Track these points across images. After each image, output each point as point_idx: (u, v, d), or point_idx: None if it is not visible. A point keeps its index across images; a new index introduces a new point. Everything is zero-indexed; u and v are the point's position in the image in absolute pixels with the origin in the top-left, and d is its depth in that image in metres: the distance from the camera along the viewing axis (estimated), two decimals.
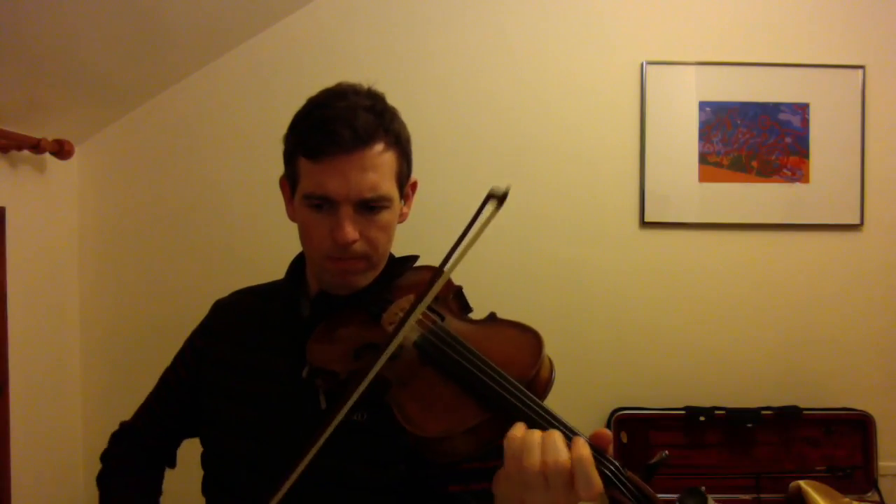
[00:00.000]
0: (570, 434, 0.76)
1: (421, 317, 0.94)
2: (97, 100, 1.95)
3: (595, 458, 0.73)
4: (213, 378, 1.11)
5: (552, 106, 2.15)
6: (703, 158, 2.15)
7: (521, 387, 0.81)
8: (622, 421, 2.06)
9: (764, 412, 2.05)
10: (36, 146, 1.78)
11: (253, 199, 2.10)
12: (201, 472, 1.12)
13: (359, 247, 0.99)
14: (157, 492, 1.21)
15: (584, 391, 2.11)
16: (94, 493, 1.18)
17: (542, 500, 0.73)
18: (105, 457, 1.21)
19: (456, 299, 1.03)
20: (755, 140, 2.15)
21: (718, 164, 2.15)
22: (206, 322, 1.21)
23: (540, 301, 2.14)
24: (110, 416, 1.28)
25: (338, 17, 2.12)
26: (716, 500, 1.92)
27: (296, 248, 1.11)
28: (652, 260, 2.16)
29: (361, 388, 0.84)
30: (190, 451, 1.21)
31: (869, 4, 2.16)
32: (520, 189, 2.14)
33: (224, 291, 1.25)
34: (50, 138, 1.83)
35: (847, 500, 1.95)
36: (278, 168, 1.08)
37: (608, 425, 2.07)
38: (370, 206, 0.98)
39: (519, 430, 0.75)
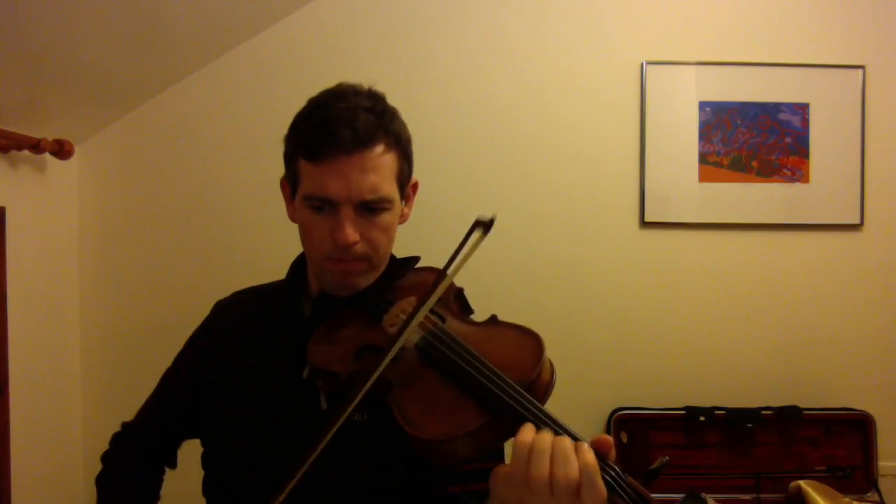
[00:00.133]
0: (573, 440, 0.76)
1: (422, 319, 0.94)
2: (97, 100, 1.95)
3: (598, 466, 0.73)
4: (214, 378, 1.11)
5: (552, 106, 2.15)
6: (703, 158, 2.15)
7: (522, 390, 0.80)
8: (622, 421, 2.06)
9: (764, 412, 2.05)
10: (36, 146, 1.78)
11: (253, 200, 2.10)
12: (201, 472, 1.12)
13: (359, 248, 0.99)
14: (156, 495, 1.20)
15: (584, 391, 2.11)
16: (94, 493, 1.18)
17: (543, 503, 0.73)
18: (105, 457, 1.21)
19: (457, 301, 1.03)
20: (755, 140, 2.15)
21: (718, 164, 2.15)
22: (208, 322, 1.21)
23: (540, 301, 2.14)
24: (110, 416, 1.28)
25: (338, 17, 2.12)
26: (716, 501, 1.92)
27: (296, 248, 1.11)
28: (652, 260, 2.16)
29: (364, 390, 0.84)
30: (190, 451, 1.21)
31: (869, 4, 2.16)
32: (520, 189, 2.14)
33: (224, 292, 1.25)
34: (50, 138, 1.83)
35: (847, 500, 1.95)
36: (278, 168, 1.08)
37: (608, 425, 2.08)
38: (371, 208, 0.98)
39: (528, 433, 0.75)
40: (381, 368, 0.85)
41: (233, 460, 1.05)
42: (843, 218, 2.16)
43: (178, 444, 1.24)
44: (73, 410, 2.08)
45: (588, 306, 2.16)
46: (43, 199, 1.93)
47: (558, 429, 0.77)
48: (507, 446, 0.82)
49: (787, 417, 2.05)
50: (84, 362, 2.11)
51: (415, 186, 1.11)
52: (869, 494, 2.03)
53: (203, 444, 1.14)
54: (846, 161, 2.16)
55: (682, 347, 2.17)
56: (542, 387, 0.84)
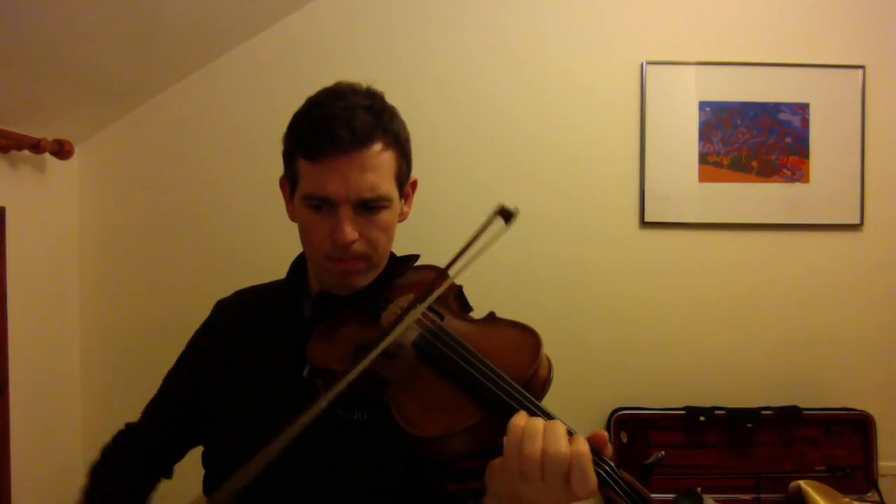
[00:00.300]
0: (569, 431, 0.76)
1: (420, 316, 0.94)
2: (97, 100, 1.95)
3: (592, 458, 0.73)
4: (216, 377, 1.11)
5: (552, 106, 2.15)
6: (703, 158, 2.15)
7: (519, 386, 0.81)
8: (622, 421, 2.06)
9: (764, 412, 2.05)
10: (36, 146, 1.78)
11: (253, 199, 2.10)
12: (202, 472, 1.12)
13: (358, 247, 0.99)
14: (145, 497, 1.18)
15: (584, 391, 2.11)
16: None
17: (536, 493, 0.73)
18: (104, 450, 1.21)
19: (456, 299, 1.03)
20: (755, 140, 2.15)
21: (718, 164, 2.15)
22: (209, 322, 1.21)
23: (540, 301, 2.14)
24: (110, 416, 1.28)
25: (338, 17, 2.12)
26: (716, 501, 1.92)
27: (296, 247, 1.11)
28: (652, 260, 2.16)
29: (349, 378, 0.84)
30: (191, 452, 1.21)
31: (869, 4, 2.16)
32: (520, 189, 2.14)
33: (224, 291, 1.25)
34: (50, 138, 1.83)
35: (847, 500, 1.95)
36: (278, 168, 1.08)
37: (608, 425, 2.07)
38: (369, 207, 0.98)
39: (522, 417, 0.76)
40: (368, 360, 0.84)
41: (233, 459, 1.04)
42: (843, 218, 2.16)
43: (177, 452, 1.23)
44: (73, 410, 2.08)
45: (588, 306, 2.15)
46: (43, 199, 1.93)
47: None
48: None
49: (787, 417, 2.05)
50: (84, 362, 2.11)
51: (414, 185, 1.11)
52: (869, 494, 2.03)
53: (204, 444, 1.14)
54: (846, 161, 2.15)
55: (682, 347, 2.16)
56: (539, 383, 0.85)
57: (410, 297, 0.99)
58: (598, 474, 0.73)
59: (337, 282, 1.03)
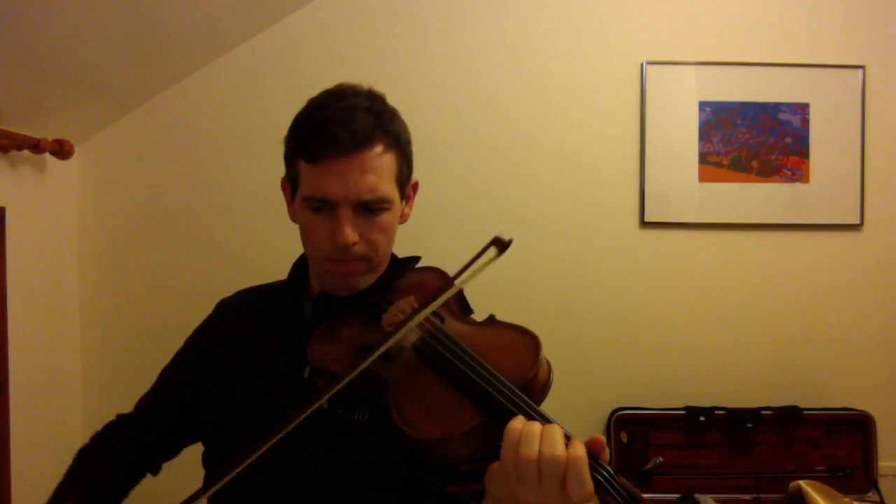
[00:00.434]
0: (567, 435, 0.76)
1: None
2: (97, 100, 1.95)
3: (589, 463, 0.73)
4: (216, 377, 1.11)
5: (552, 106, 2.15)
6: (703, 158, 2.15)
7: (518, 390, 0.81)
8: (622, 421, 2.06)
9: (764, 412, 2.05)
10: (36, 146, 1.78)
11: (253, 199, 2.10)
12: (202, 472, 1.12)
13: (359, 248, 0.99)
14: (125, 485, 1.16)
15: (584, 391, 2.11)
16: None
17: (533, 496, 0.74)
18: (95, 436, 1.20)
19: (457, 301, 1.03)
20: (755, 140, 2.15)
21: (718, 164, 2.15)
22: (210, 321, 1.21)
23: (540, 301, 2.14)
24: (110, 416, 1.28)
25: (338, 17, 2.12)
26: (716, 501, 1.92)
27: (296, 248, 1.11)
28: (652, 260, 2.16)
29: (343, 382, 0.84)
30: (190, 451, 1.21)
31: (869, 4, 2.16)
32: (520, 189, 2.14)
33: (224, 291, 1.25)
34: (50, 138, 1.83)
35: (847, 500, 1.95)
36: (278, 168, 1.08)
37: (608, 425, 2.08)
38: (370, 208, 0.98)
39: (519, 421, 0.76)
40: (368, 361, 0.85)
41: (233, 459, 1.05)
42: (843, 218, 2.16)
43: (169, 448, 1.22)
44: (73, 410, 2.08)
45: (588, 306, 2.16)
46: (43, 199, 1.93)
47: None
48: None
49: (787, 417, 2.05)
50: (84, 362, 2.11)
51: (415, 186, 1.11)
52: (869, 494, 2.04)
53: (204, 444, 1.14)
54: (846, 161, 2.16)
55: (682, 347, 2.17)
56: (538, 386, 0.85)
57: (411, 298, 0.99)
58: (595, 479, 0.74)
59: (337, 283, 1.03)
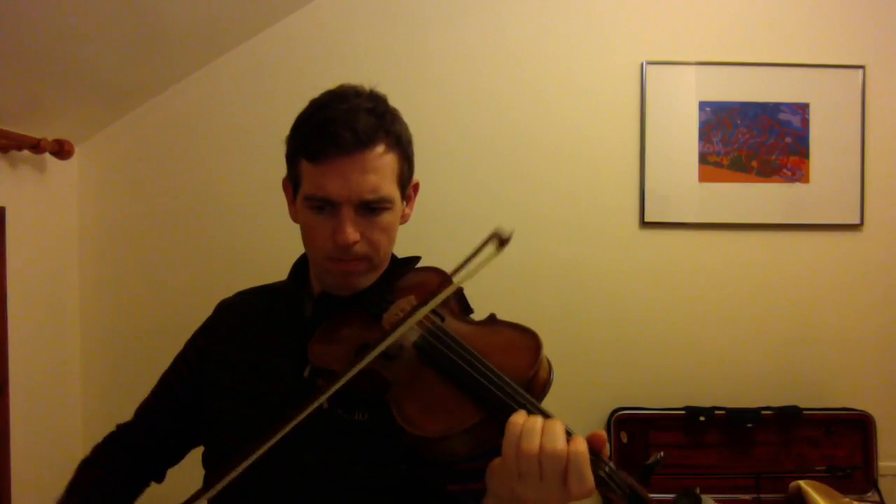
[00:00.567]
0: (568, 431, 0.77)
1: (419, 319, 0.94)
2: (97, 100, 1.95)
3: (590, 458, 0.73)
4: (216, 377, 1.11)
5: (552, 106, 2.15)
6: (703, 158, 2.15)
7: (519, 388, 0.81)
8: (622, 421, 2.06)
9: (764, 412, 2.05)
10: (36, 146, 1.78)
11: (253, 199, 2.10)
12: (201, 472, 1.12)
13: (360, 248, 0.99)
14: (128, 495, 1.17)
15: (584, 391, 2.11)
16: None
17: (533, 491, 0.74)
18: (95, 448, 1.20)
19: (457, 300, 1.04)
20: (755, 140, 2.15)
21: (718, 164, 2.16)
22: (210, 321, 1.21)
23: (540, 301, 2.14)
24: (110, 416, 1.28)
25: (338, 17, 2.12)
26: (716, 501, 1.92)
27: (297, 248, 1.11)
28: (652, 260, 2.16)
29: (344, 379, 0.84)
30: (191, 451, 1.21)
31: (869, 4, 2.16)
32: (520, 189, 2.14)
33: (224, 292, 1.25)
34: (50, 138, 1.83)
35: (847, 500, 1.95)
36: (279, 168, 1.08)
37: (608, 425, 2.08)
38: (371, 208, 0.98)
39: (521, 415, 0.77)
40: (363, 363, 0.85)
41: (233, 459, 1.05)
42: (843, 218, 2.17)
43: (171, 452, 1.22)
44: (73, 410, 2.08)
45: (588, 306, 2.16)
46: (43, 199, 1.93)
47: None
48: None
49: (787, 417, 2.05)
50: (84, 362, 2.11)
51: (416, 187, 1.11)
52: (869, 494, 2.04)
53: (204, 444, 1.14)
54: (846, 161, 2.16)
55: (682, 347, 2.17)
56: (539, 385, 0.85)
57: (412, 298, 0.99)
58: (596, 474, 0.74)
59: (338, 282, 1.03)
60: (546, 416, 0.78)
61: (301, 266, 1.14)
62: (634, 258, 2.16)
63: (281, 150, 1.06)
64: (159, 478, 1.22)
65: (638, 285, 2.16)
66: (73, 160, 1.99)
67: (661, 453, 0.82)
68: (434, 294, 0.88)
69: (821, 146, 2.15)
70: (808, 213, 2.16)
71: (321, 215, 0.99)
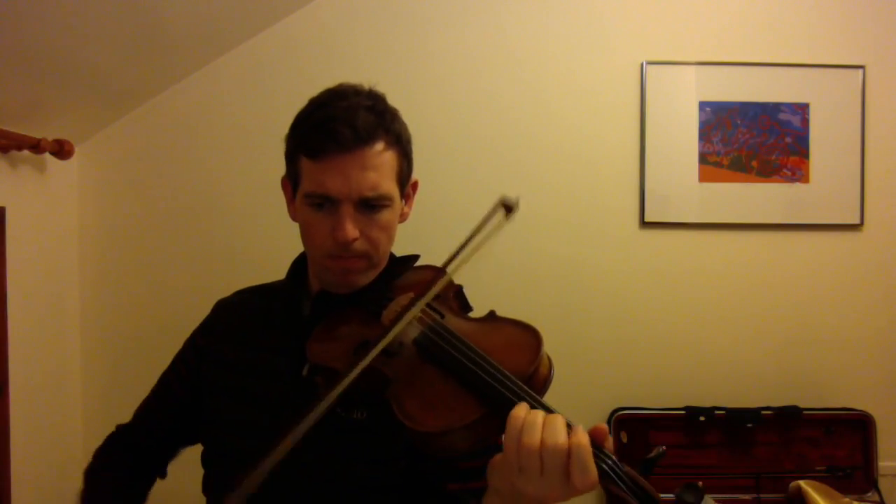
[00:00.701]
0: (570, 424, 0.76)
1: (421, 314, 0.94)
2: (97, 100, 1.95)
3: (593, 451, 0.73)
4: (215, 377, 1.11)
5: (552, 106, 2.15)
6: (703, 158, 2.15)
7: (520, 382, 0.81)
8: (622, 421, 2.06)
9: (764, 412, 2.05)
10: (36, 146, 1.78)
11: (253, 199, 2.10)
12: (201, 472, 1.12)
13: (359, 245, 0.99)
14: (142, 497, 1.18)
15: (584, 391, 2.11)
16: None
17: (534, 486, 0.73)
18: (97, 452, 1.20)
19: (456, 298, 1.04)
20: (755, 140, 2.15)
21: (718, 164, 2.15)
22: (208, 321, 1.21)
23: (540, 301, 2.14)
24: (110, 416, 1.28)
25: (338, 17, 2.12)
26: (716, 500, 1.92)
27: (296, 247, 1.11)
28: (652, 260, 2.16)
29: (352, 375, 0.84)
30: (190, 451, 1.21)
31: (869, 4, 2.16)
32: (520, 189, 2.11)
33: (224, 291, 1.25)
34: (50, 138, 1.83)
35: (847, 500, 1.95)
36: (278, 168, 1.08)
37: (608, 425, 2.06)
38: (371, 205, 0.99)
39: (522, 409, 0.76)
40: (370, 358, 0.85)
41: (233, 459, 1.05)
42: (843, 218, 2.16)
43: (171, 451, 1.23)
44: (73, 410, 2.08)
45: (588, 306, 2.16)
46: (43, 199, 1.93)
47: None
48: None
49: (787, 417, 2.05)
50: (84, 362, 2.11)
51: (415, 186, 1.12)
52: (869, 494, 2.03)
53: (203, 444, 1.14)
54: (846, 161, 2.16)
55: (682, 347, 2.17)
56: (540, 381, 0.85)
57: (411, 295, 0.99)
58: (599, 467, 0.73)
59: (338, 280, 1.03)
60: (548, 410, 0.78)
61: (299, 265, 1.14)
62: (634, 258, 2.16)
63: (281, 149, 1.06)
64: (163, 474, 1.23)
65: (638, 285, 2.16)
66: (73, 160, 1.99)
67: (663, 447, 0.81)
68: (432, 283, 0.88)
69: (821, 146, 2.15)
70: (808, 213, 2.16)
71: (320, 213, 0.99)
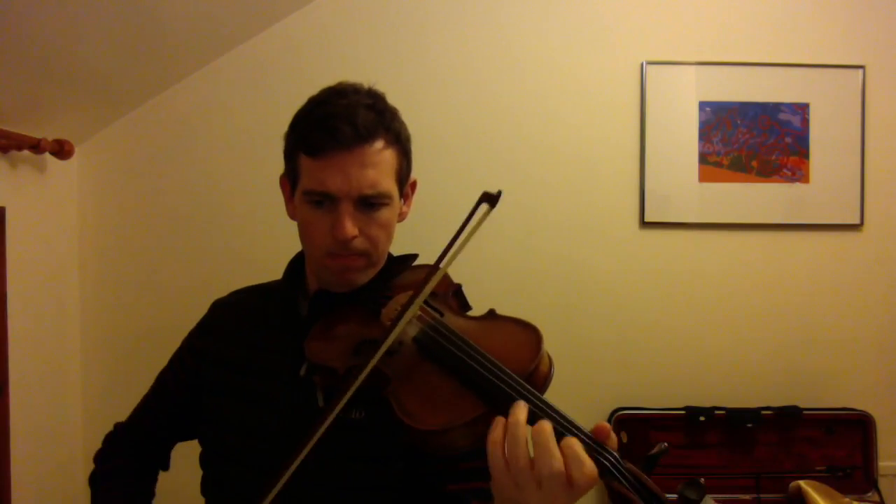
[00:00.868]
0: (566, 425, 0.76)
1: (420, 312, 0.94)
2: (97, 100, 1.95)
3: (595, 449, 0.73)
4: (213, 377, 1.11)
5: (552, 106, 2.15)
6: (703, 158, 2.15)
7: (521, 380, 0.81)
8: (622, 421, 2.06)
9: (764, 412, 2.05)
10: (36, 146, 1.78)
11: (253, 199, 2.10)
12: (200, 472, 1.12)
13: (358, 243, 0.99)
14: (150, 494, 1.19)
15: (585, 391, 2.11)
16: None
17: (536, 498, 0.72)
18: (98, 457, 1.21)
19: (455, 297, 1.04)
20: (755, 140, 2.15)
21: (718, 164, 2.15)
22: (205, 321, 1.21)
23: (540, 301, 2.14)
24: (110, 416, 1.28)
25: (338, 17, 2.12)
26: (716, 500, 1.92)
27: (295, 247, 1.11)
28: (652, 260, 2.16)
29: (359, 381, 0.84)
30: (189, 451, 1.21)
31: (869, 4, 2.16)
32: (520, 189, 2.14)
33: (224, 291, 1.25)
34: (50, 138, 1.83)
35: (847, 500, 1.95)
36: (278, 168, 1.08)
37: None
38: (370, 203, 0.99)
39: (499, 429, 0.74)
40: (375, 359, 0.85)
41: (231, 459, 1.05)
42: (843, 218, 2.16)
43: (171, 446, 1.24)
44: (73, 410, 2.08)
45: (588, 306, 2.15)
46: (43, 199, 1.93)
47: (557, 416, 0.77)
48: None
49: (787, 417, 2.05)
50: (84, 362, 2.11)
51: (414, 185, 1.12)
52: (869, 494, 2.03)
53: (201, 444, 1.14)
54: (846, 161, 2.16)
55: (682, 347, 2.16)
56: (540, 378, 0.85)
57: (410, 293, 0.99)
58: (600, 464, 0.73)
59: (337, 279, 1.03)
60: (549, 408, 0.78)
61: (296, 264, 1.14)
62: (634, 258, 2.16)
63: (281, 149, 1.06)
64: (165, 467, 1.24)
65: (638, 285, 2.16)
66: (73, 160, 1.99)
67: (665, 444, 0.81)
68: (428, 279, 0.88)
69: (821, 146, 2.15)
70: (808, 213, 2.16)
71: (320, 210, 0.99)
